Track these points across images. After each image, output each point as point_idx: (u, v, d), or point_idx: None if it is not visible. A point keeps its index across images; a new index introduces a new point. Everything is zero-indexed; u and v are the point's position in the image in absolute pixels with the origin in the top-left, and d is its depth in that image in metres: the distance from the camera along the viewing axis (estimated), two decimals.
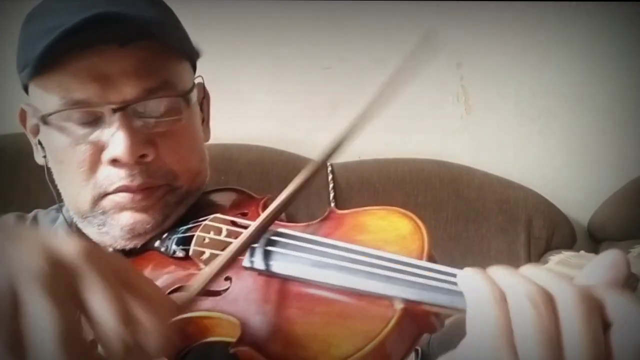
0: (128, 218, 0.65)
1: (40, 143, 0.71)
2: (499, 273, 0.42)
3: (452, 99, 1.67)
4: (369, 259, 0.51)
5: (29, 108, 0.71)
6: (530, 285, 0.40)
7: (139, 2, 0.65)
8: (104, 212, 0.66)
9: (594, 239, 1.65)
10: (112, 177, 0.64)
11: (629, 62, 1.67)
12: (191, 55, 0.71)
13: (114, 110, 0.62)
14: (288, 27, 1.60)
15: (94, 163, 0.64)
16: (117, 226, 0.65)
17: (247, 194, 0.75)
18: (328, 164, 1.52)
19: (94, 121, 0.63)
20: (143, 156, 0.63)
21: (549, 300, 0.39)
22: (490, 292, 0.40)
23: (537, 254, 1.51)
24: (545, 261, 1.53)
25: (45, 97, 0.64)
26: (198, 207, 0.71)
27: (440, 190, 1.53)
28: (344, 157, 1.56)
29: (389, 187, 1.51)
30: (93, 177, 0.64)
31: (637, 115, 1.68)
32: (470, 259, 1.48)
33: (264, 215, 0.56)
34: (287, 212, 0.67)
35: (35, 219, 0.81)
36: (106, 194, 0.65)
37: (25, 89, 0.70)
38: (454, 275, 0.46)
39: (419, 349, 0.66)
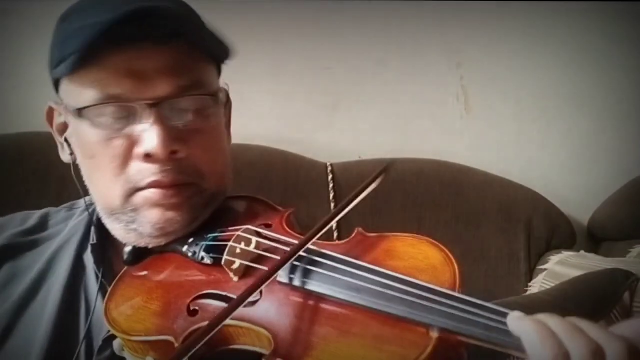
0: (159, 215, 0.66)
1: (67, 141, 0.72)
2: (559, 326, 0.45)
3: (452, 99, 1.67)
4: (406, 286, 0.52)
5: (58, 105, 0.72)
6: (589, 344, 0.43)
7: (172, 1, 0.67)
8: (134, 209, 0.67)
9: (594, 239, 1.64)
10: (144, 172, 0.65)
11: (629, 62, 1.67)
12: (217, 59, 0.73)
13: (148, 106, 0.64)
14: (288, 27, 1.60)
15: (126, 158, 0.65)
16: (147, 223, 0.66)
17: (270, 205, 0.76)
18: (328, 163, 1.52)
19: (128, 117, 0.65)
20: (175, 152, 0.65)
21: (603, 356, 0.42)
22: (557, 351, 0.43)
23: (537, 254, 1.51)
24: (546, 261, 1.55)
25: (81, 92, 0.65)
26: (221, 213, 0.72)
27: (440, 190, 1.53)
28: (344, 157, 1.56)
29: (388, 187, 1.50)
30: (124, 173, 0.66)
31: (636, 115, 1.68)
32: (470, 259, 1.48)
33: (303, 240, 0.57)
34: (296, 223, 0.68)
35: (44, 217, 0.81)
36: (137, 190, 0.66)
37: (56, 86, 0.70)
38: (492, 311, 0.48)
39: None
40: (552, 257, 1.45)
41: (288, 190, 1.44)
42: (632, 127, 1.68)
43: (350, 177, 1.51)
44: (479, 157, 1.65)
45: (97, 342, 0.68)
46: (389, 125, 1.65)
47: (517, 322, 0.46)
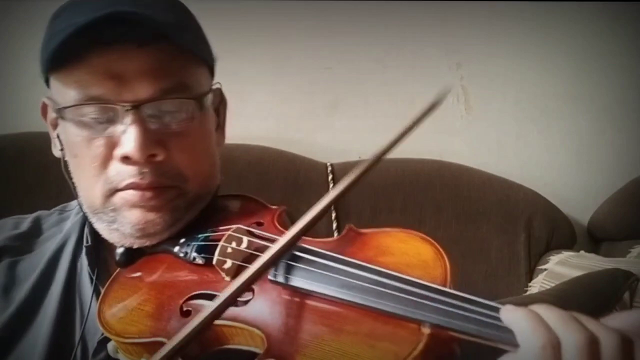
0: (139, 216, 0.66)
1: (58, 136, 0.72)
2: (551, 315, 0.44)
3: (452, 99, 1.67)
4: (398, 282, 0.52)
5: (50, 101, 0.72)
6: (582, 333, 0.42)
7: (158, 4, 0.66)
8: (114, 209, 0.66)
9: (594, 239, 1.64)
10: (122, 173, 0.65)
11: (629, 62, 1.67)
12: (208, 60, 0.72)
13: (127, 109, 0.63)
14: (288, 27, 1.60)
15: (106, 158, 0.65)
16: (127, 224, 0.66)
17: (261, 203, 0.75)
18: (328, 163, 1.52)
19: (109, 118, 0.65)
20: (153, 155, 0.64)
21: (597, 346, 0.42)
22: (547, 338, 0.43)
23: (537, 254, 1.51)
24: (546, 261, 1.55)
25: (64, 92, 0.65)
26: (211, 212, 0.71)
27: (440, 190, 1.53)
28: (344, 157, 1.56)
29: (388, 187, 1.51)
30: (104, 173, 0.66)
31: (636, 115, 1.68)
32: (470, 259, 1.48)
33: (289, 235, 0.55)
34: (287, 213, 0.68)
35: (36, 221, 0.80)
36: (117, 190, 0.66)
37: (47, 82, 0.71)
38: (483, 305, 0.48)
39: None
40: (552, 257, 1.44)
41: (288, 190, 1.44)
42: (632, 127, 1.68)
43: None
44: (479, 157, 1.65)
45: (92, 344, 0.68)
46: (389, 125, 1.65)
47: (509, 312, 0.46)
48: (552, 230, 1.53)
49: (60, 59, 0.62)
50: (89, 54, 0.62)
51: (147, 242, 0.68)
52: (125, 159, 0.64)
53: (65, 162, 0.72)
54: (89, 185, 0.67)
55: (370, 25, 1.63)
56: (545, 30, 1.67)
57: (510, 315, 0.46)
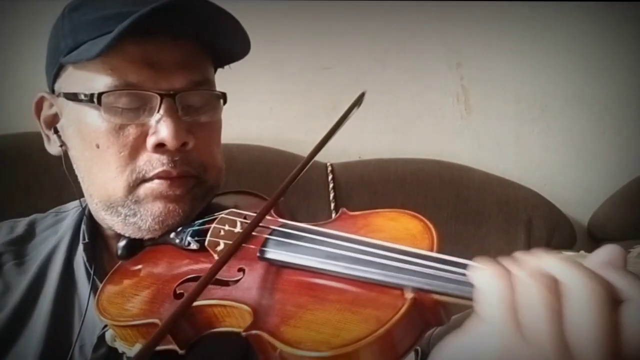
0: (161, 207, 0.67)
1: (57, 132, 0.72)
2: (506, 261, 0.47)
3: (452, 99, 1.67)
4: (381, 250, 0.53)
5: (50, 97, 0.72)
6: (535, 268, 0.44)
7: None
8: (137, 201, 0.67)
9: (594, 239, 1.65)
10: (154, 162, 0.66)
11: (629, 62, 1.67)
12: (226, 60, 0.75)
13: (164, 97, 0.65)
14: (287, 27, 1.60)
15: (137, 148, 0.66)
16: (148, 216, 0.67)
17: (260, 196, 0.77)
18: (328, 163, 1.52)
19: (141, 106, 0.66)
20: (185, 144, 0.66)
21: (553, 280, 0.42)
22: (497, 272, 0.45)
23: None
24: None
25: (94, 79, 0.65)
26: (212, 206, 0.73)
27: (440, 190, 1.53)
28: (344, 157, 1.56)
29: (389, 187, 1.50)
30: (132, 162, 0.66)
31: (636, 115, 1.68)
32: (470, 259, 1.48)
33: (269, 201, 0.59)
34: (289, 213, 0.69)
35: (31, 224, 0.80)
36: (143, 181, 0.66)
37: (54, 76, 0.70)
38: (464, 266, 0.49)
39: (419, 348, 0.66)
40: None
41: (288, 190, 1.44)
42: (632, 127, 1.68)
43: (350, 177, 1.51)
44: (479, 157, 1.65)
45: (92, 340, 0.68)
46: (389, 125, 1.65)
47: (472, 267, 0.47)
48: (552, 230, 1.53)
49: (116, 43, 0.61)
50: (127, 43, 0.63)
51: (158, 234, 0.69)
52: (159, 147, 0.65)
53: (67, 158, 0.72)
54: (110, 176, 0.67)
55: (370, 25, 1.63)
56: (545, 30, 1.67)
57: (471, 268, 0.47)
